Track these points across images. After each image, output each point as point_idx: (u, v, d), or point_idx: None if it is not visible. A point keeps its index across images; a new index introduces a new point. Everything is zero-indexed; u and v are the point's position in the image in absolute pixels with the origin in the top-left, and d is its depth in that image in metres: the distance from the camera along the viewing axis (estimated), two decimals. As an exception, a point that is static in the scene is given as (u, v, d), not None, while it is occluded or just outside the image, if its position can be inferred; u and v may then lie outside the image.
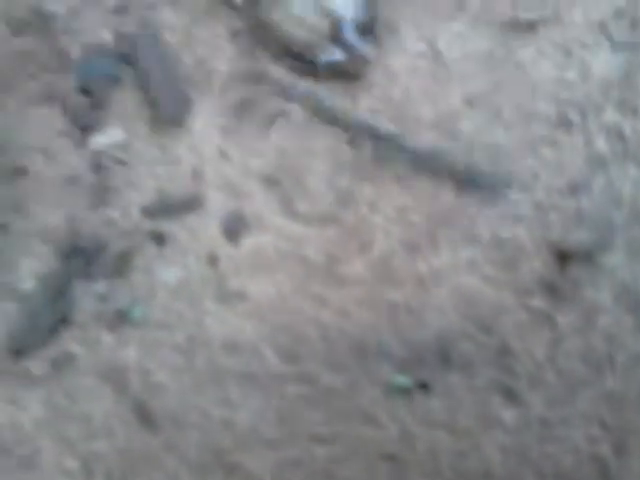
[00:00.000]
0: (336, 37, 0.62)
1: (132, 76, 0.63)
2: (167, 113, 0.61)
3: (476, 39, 0.63)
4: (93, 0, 0.66)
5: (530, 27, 0.62)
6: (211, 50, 0.64)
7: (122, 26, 0.65)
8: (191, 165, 0.60)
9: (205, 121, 0.61)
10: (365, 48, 0.62)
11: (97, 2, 0.66)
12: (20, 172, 0.61)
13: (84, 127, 0.62)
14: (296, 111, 0.62)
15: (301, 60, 0.62)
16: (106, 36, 0.65)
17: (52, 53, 0.64)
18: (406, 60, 0.63)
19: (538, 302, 0.58)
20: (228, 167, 0.61)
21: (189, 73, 0.63)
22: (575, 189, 0.59)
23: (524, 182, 0.59)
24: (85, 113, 0.62)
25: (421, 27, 0.64)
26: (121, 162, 0.61)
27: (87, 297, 0.57)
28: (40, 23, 0.65)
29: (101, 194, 0.60)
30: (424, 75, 0.63)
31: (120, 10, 0.66)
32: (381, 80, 0.63)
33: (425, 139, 0.60)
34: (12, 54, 0.65)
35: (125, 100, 0.62)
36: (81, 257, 0.58)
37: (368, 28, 0.63)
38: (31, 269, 0.59)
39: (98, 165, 0.61)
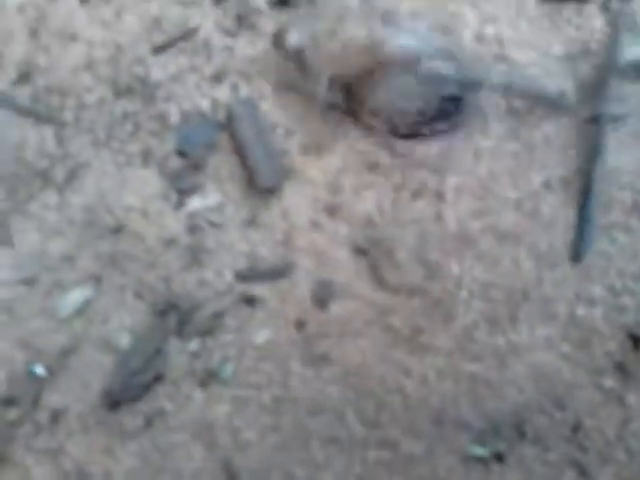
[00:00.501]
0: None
1: (228, 142, 0.67)
2: (263, 181, 0.64)
3: (559, 128, 0.68)
4: (192, 68, 0.71)
5: (613, 120, 0.66)
6: (300, 120, 0.69)
7: (218, 93, 0.70)
8: (282, 231, 0.64)
9: (297, 190, 0.66)
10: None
11: (195, 69, 0.70)
12: (119, 230, 0.64)
13: (181, 189, 0.65)
14: (381, 183, 0.66)
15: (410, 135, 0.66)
16: (204, 102, 0.69)
17: (152, 117, 0.68)
18: (491, 142, 0.67)
19: (610, 382, 0.60)
20: (318, 235, 0.64)
21: (283, 142, 0.67)
22: (649, 275, 0.63)
23: (598, 265, 0.63)
24: (182, 176, 0.66)
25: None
26: (215, 225, 0.64)
27: (180, 354, 0.60)
28: (142, 88, 0.69)
29: (195, 255, 0.63)
30: (507, 156, 0.67)
31: (216, 78, 0.70)
32: (468, 158, 0.66)
33: (507, 218, 0.64)
34: (113, 115, 0.70)
35: (221, 165, 0.66)
36: (175, 315, 0.61)
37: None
38: (125, 324, 0.61)
39: (193, 227, 0.64)
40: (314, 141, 0.67)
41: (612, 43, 0.69)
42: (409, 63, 0.64)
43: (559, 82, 0.68)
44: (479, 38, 0.71)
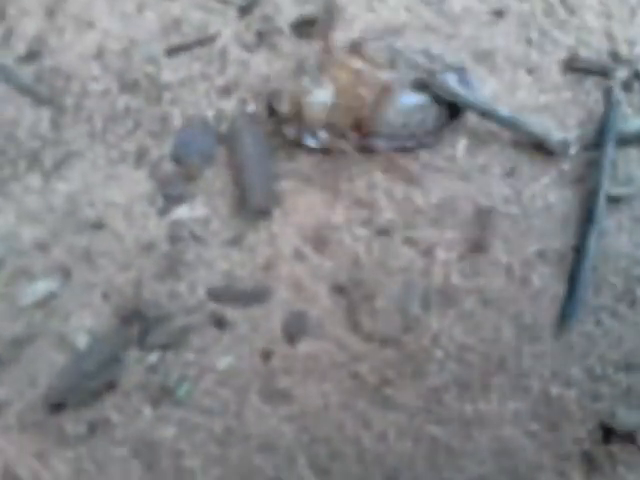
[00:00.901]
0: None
1: (226, 156, 0.65)
2: (254, 202, 0.62)
3: (560, 198, 0.66)
4: (203, 75, 0.69)
5: (615, 201, 0.65)
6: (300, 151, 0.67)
7: (225, 105, 0.68)
8: (265, 256, 0.62)
9: (287, 217, 0.64)
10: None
11: (206, 78, 0.69)
12: (98, 226, 0.62)
13: (169, 196, 0.63)
14: (373, 224, 0.64)
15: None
16: (209, 112, 0.67)
17: (154, 117, 0.66)
18: (491, 201, 0.65)
19: (574, 471, 0.58)
20: (301, 266, 0.62)
21: (282, 166, 0.66)
22: (630, 366, 0.61)
23: (581, 346, 0.61)
24: (173, 182, 0.64)
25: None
26: (198, 238, 0.62)
27: (137, 365, 0.57)
28: (149, 87, 0.67)
29: (172, 265, 0.60)
30: (506, 219, 0.65)
31: (226, 90, 0.69)
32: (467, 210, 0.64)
33: (496, 282, 0.63)
34: (115, 108, 0.68)
35: (214, 178, 0.64)
36: (139, 323, 0.58)
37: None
38: (86, 324, 0.59)
39: (175, 236, 0.62)
40: (311, 172, 0.66)
41: (612, 116, 0.69)
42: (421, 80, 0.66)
43: (565, 135, 0.68)
44: (497, 97, 0.70)
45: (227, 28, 0.71)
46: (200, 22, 0.71)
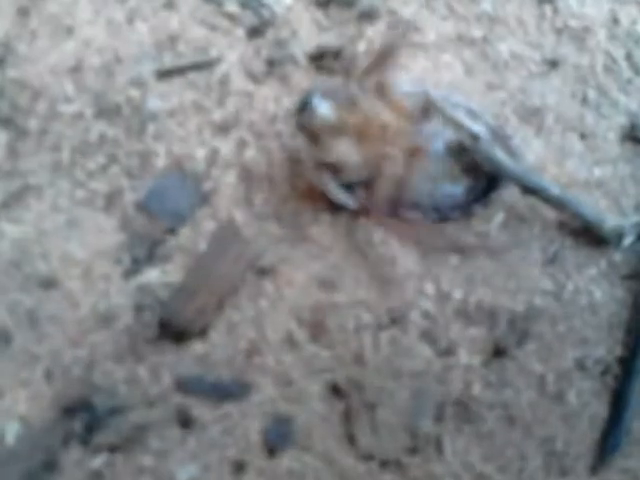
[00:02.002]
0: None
1: (208, 220, 0.53)
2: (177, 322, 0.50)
3: (608, 296, 0.56)
4: (198, 106, 0.57)
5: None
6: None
7: (221, 145, 0.57)
8: (249, 340, 0.51)
9: (280, 294, 0.53)
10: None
11: (201, 110, 0.57)
12: (49, 284, 0.51)
13: (139, 254, 0.52)
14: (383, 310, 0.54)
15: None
16: (200, 152, 0.56)
17: (133, 153, 0.55)
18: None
19: None
20: (291, 356, 0.52)
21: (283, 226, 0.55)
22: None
23: None
24: (146, 237, 0.53)
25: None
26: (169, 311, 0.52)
27: (77, 469, 0.46)
28: (132, 115, 0.56)
29: (133, 344, 0.50)
30: (540, 317, 0.56)
31: (223, 127, 0.57)
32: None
33: (525, 396, 0.53)
34: (87, 137, 0.57)
35: (193, 239, 0.53)
36: (86, 415, 0.47)
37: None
38: (19, 409, 0.47)
39: (141, 306, 0.51)
40: (319, 236, 0.56)
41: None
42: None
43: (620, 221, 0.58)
44: (542, 164, 0.60)
45: (232, 51, 0.59)
46: (200, 41, 0.59)
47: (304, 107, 0.52)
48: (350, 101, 0.52)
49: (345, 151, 0.52)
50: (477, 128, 0.56)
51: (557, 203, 0.56)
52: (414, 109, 0.53)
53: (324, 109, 0.51)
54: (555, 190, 0.55)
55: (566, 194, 0.56)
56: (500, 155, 0.55)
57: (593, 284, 0.55)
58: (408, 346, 0.51)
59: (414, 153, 0.52)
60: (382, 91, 0.54)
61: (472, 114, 0.57)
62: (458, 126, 0.55)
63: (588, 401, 0.51)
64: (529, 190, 0.55)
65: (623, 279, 0.55)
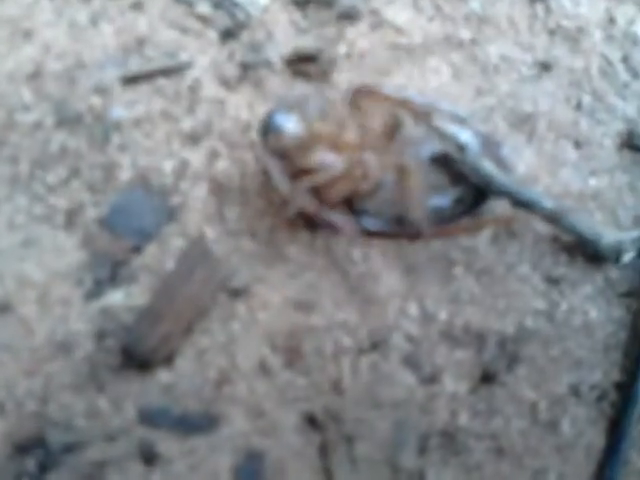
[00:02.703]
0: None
1: (176, 237, 0.50)
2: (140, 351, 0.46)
3: (605, 316, 0.53)
4: (166, 115, 0.54)
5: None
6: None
7: (191, 156, 0.54)
8: (218, 368, 0.47)
9: (253, 317, 0.50)
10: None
11: (169, 118, 0.54)
12: (2, 308, 0.46)
13: (101, 275, 0.48)
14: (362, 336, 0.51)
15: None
16: (168, 164, 0.53)
17: (96, 165, 0.52)
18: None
19: None
20: (264, 384, 0.48)
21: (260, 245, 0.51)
22: None
23: None
24: (109, 257, 0.49)
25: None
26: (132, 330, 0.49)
27: (30, 513, 0.44)
28: (94, 124, 0.52)
29: (94, 373, 0.46)
30: (532, 339, 0.52)
31: (193, 137, 0.53)
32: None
33: (515, 425, 0.50)
34: (47, 148, 0.53)
35: (160, 259, 0.49)
36: (40, 453, 0.43)
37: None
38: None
39: (103, 331, 0.47)
40: (297, 255, 0.52)
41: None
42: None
43: (619, 237, 0.55)
44: (534, 174, 0.56)
45: (203, 55, 0.55)
46: (170, 44, 0.55)
47: (267, 129, 0.48)
48: (322, 109, 0.49)
49: (325, 162, 0.50)
50: (464, 137, 0.53)
51: (551, 217, 0.52)
52: (391, 120, 0.50)
53: (290, 126, 0.47)
54: (548, 203, 0.52)
55: (560, 207, 0.52)
56: (489, 167, 0.51)
57: (588, 303, 0.52)
58: (389, 372, 0.48)
59: (401, 171, 0.49)
60: (357, 100, 0.52)
61: (459, 121, 0.54)
62: (443, 135, 0.52)
63: (583, 430, 0.48)
64: (520, 203, 0.52)
65: (620, 297, 0.52)
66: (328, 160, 0.49)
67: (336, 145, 0.48)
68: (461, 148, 0.51)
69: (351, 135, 0.49)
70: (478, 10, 0.62)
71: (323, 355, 0.48)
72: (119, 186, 0.50)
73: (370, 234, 0.52)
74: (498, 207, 0.53)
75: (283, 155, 0.47)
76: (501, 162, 0.53)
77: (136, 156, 0.52)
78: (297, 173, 0.48)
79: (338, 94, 0.51)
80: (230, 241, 0.51)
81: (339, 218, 0.50)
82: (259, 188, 0.52)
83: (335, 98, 0.50)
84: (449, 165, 0.52)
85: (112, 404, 0.45)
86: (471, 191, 0.53)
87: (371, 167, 0.49)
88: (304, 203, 0.48)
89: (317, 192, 0.50)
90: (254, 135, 0.53)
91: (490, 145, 0.54)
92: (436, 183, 0.52)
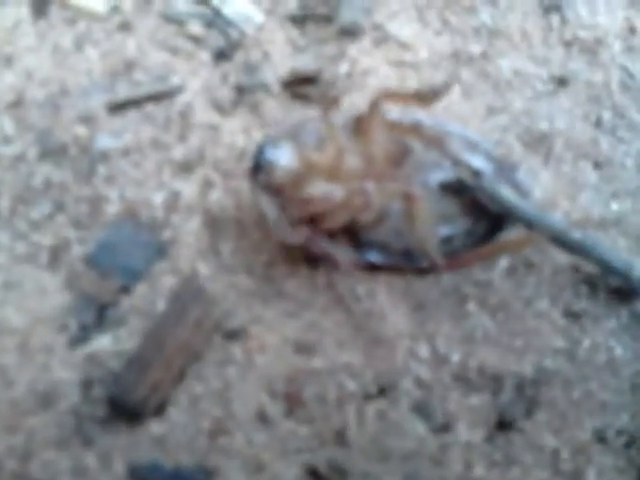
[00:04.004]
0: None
1: (168, 274, 0.47)
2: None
3: (631, 353, 0.49)
4: (156, 143, 0.51)
5: None
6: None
7: (183, 187, 0.50)
8: (213, 418, 0.43)
9: (250, 361, 0.47)
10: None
11: (159, 146, 0.50)
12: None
13: (87, 319, 0.45)
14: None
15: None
16: (158, 196, 0.50)
17: (82, 199, 0.48)
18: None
19: None
20: (264, 434, 0.44)
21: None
22: None
23: None
24: (96, 299, 0.45)
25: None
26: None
27: None
28: (80, 155, 0.48)
29: (80, 426, 0.43)
30: (552, 380, 0.48)
31: (186, 166, 0.50)
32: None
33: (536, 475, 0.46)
34: (30, 182, 0.50)
35: (151, 296, 0.46)
36: (22, 516, 0.42)
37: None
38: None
39: (89, 380, 0.44)
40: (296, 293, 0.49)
41: None
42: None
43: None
44: (551, 198, 0.51)
45: (195, 78, 0.52)
46: (160, 67, 0.52)
47: (259, 165, 0.44)
48: (320, 137, 0.45)
49: (321, 193, 0.46)
50: (478, 162, 0.49)
51: (576, 248, 0.48)
52: (398, 147, 0.47)
53: (283, 159, 0.44)
54: (575, 233, 0.48)
55: (588, 238, 0.48)
56: (507, 193, 0.48)
57: (613, 339, 0.48)
58: (398, 421, 0.44)
59: (408, 199, 0.46)
60: (365, 123, 0.48)
61: (471, 144, 0.50)
62: (457, 161, 0.49)
63: None
64: (543, 232, 0.48)
65: (647, 332, 0.50)
66: (324, 190, 0.46)
67: (335, 174, 0.45)
68: (476, 174, 0.47)
69: (352, 163, 0.46)
70: (488, 22, 0.58)
71: (326, 402, 0.45)
72: (106, 221, 0.47)
73: (375, 268, 0.49)
74: (513, 236, 0.50)
75: (277, 190, 0.44)
76: (517, 187, 0.50)
77: (124, 188, 0.49)
78: (293, 206, 0.45)
79: (340, 118, 0.49)
80: (225, 278, 0.47)
81: (338, 251, 0.47)
82: (256, 220, 0.49)
83: (336, 123, 0.47)
84: (462, 192, 0.48)
85: (100, 460, 0.42)
86: (484, 220, 0.49)
87: (372, 195, 0.46)
88: (300, 239, 0.45)
89: (315, 224, 0.47)
90: (250, 163, 0.51)
91: (504, 169, 0.51)
92: (446, 212, 0.49)
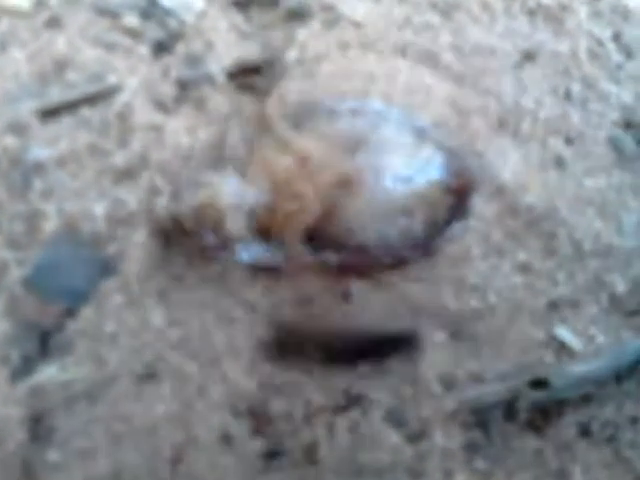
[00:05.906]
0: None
1: (116, 293, 0.44)
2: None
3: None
4: (94, 149, 0.46)
5: None
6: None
7: (126, 195, 0.48)
8: (173, 444, 0.42)
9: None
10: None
11: (98, 152, 0.46)
12: None
13: (30, 349, 0.42)
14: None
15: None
16: (99, 206, 0.46)
17: (17, 217, 0.44)
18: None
19: None
20: (227, 458, 0.43)
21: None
22: None
23: None
24: (39, 325, 0.43)
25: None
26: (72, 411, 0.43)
27: None
28: (11, 170, 0.44)
29: (28, 467, 0.40)
30: None
31: (128, 172, 0.46)
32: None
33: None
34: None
35: (99, 318, 0.43)
36: None
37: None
38: None
39: (38, 415, 0.41)
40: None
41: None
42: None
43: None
44: (520, 180, 0.48)
45: (134, 75, 0.48)
46: (94, 65, 0.47)
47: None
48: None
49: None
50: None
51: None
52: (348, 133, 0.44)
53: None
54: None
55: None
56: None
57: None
58: (371, 432, 0.42)
59: (344, 186, 0.43)
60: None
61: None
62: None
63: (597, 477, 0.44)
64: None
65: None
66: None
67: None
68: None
69: (286, 163, 0.43)
70: (446, -6, 0.56)
71: (293, 417, 0.43)
72: (44, 239, 0.43)
73: (342, 268, 0.47)
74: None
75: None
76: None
77: (62, 201, 0.44)
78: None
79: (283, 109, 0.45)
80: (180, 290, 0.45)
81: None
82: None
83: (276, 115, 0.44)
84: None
85: (53, 500, 0.40)
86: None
87: (306, 195, 0.43)
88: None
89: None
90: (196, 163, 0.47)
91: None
92: (404, 204, 0.46)
